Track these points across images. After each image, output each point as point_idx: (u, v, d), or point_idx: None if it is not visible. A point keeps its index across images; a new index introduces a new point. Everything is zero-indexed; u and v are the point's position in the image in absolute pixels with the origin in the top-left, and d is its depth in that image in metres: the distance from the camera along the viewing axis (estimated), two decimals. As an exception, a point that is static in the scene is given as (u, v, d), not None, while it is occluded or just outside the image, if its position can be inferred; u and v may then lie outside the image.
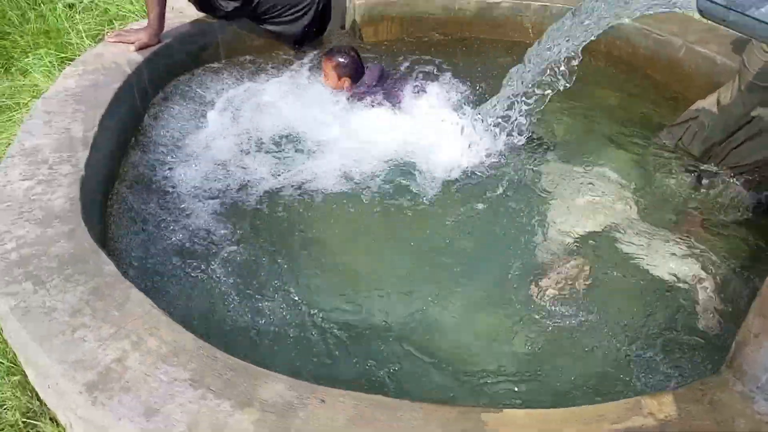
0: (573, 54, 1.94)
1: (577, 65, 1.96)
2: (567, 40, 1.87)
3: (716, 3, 1.33)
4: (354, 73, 2.55)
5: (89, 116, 1.92)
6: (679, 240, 1.95)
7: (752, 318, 1.27)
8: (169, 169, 2.10)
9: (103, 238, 1.77)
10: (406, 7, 2.94)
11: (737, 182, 2.12)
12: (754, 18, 1.26)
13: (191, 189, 2.03)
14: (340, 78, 2.55)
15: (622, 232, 1.97)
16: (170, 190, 2.02)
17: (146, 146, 2.17)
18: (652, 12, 1.56)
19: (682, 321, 1.71)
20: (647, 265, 1.86)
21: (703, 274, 1.82)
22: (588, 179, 2.21)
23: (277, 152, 2.24)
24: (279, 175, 2.13)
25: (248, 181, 2.10)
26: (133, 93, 2.19)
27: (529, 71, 2.07)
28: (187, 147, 2.21)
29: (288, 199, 2.04)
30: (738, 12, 1.27)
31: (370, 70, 2.60)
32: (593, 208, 2.09)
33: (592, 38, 1.83)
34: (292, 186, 2.09)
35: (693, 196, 2.16)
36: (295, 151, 2.27)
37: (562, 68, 2.00)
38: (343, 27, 3.07)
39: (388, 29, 3.02)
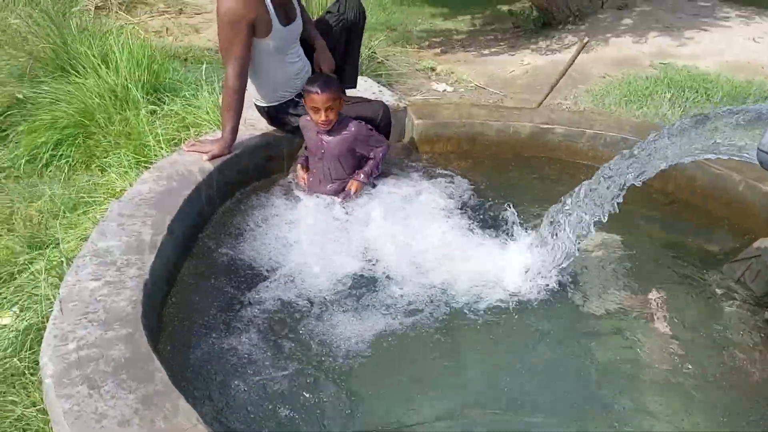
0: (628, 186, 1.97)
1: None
2: (625, 175, 1.90)
3: (777, 156, 1.35)
4: None
5: (159, 221, 2.04)
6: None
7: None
8: (228, 278, 2.16)
9: (157, 341, 1.81)
10: (462, 128, 3.07)
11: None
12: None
13: (250, 300, 2.06)
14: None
15: (688, 371, 1.88)
16: (228, 299, 2.06)
17: (208, 253, 2.25)
18: (713, 157, 1.58)
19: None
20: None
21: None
22: (639, 312, 2.15)
23: (334, 271, 2.26)
24: (338, 292, 2.15)
25: (310, 296, 2.11)
26: (201, 200, 2.33)
27: (583, 201, 2.09)
28: (248, 257, 2.27)
29: (346, 318, 2.04)
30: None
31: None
32: (652, 343, 2.01)
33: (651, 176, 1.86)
34: (349, 306, 2.11)
35: (759, 334, 2.06)
36: (352, 271, 2.29)
37: (616, 200, 2.03)
38: (399, 141, 3.22)
39: (444, 146, 3.15)
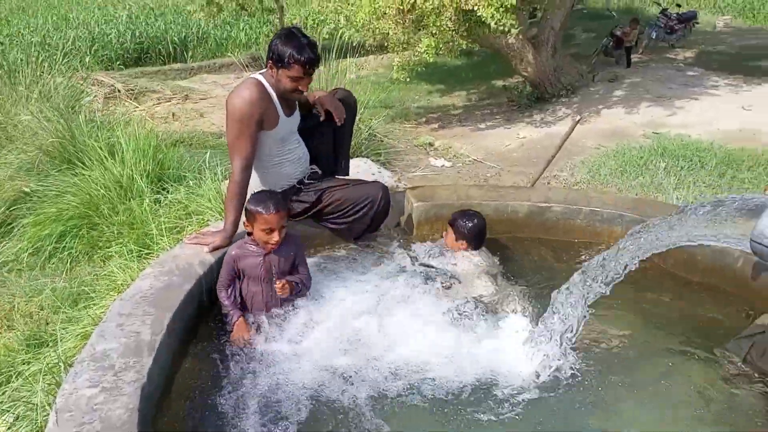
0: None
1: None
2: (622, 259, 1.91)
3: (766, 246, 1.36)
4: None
5: (158, 319, 2.03)
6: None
7: None
8: (226, 381, 2.09)
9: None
10: (460, 209, 3.10)
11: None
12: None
13: (246, 409, 1.97)
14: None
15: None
16: (223, 406, 1.97)
17: (208, 351, 2.22)
18: (704, 243, 1.59)
19: None
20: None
21: None
22: (651, 395, 2.10)
23: (333, 365, 2.19)
24: (338, 390, 2.08)
25: (311, 394, 2.04)
26: (202, 294, 2.33)
27: (585, 284, 2.09)
28: (245, 357, 2.21)
29: (348, 418, 1.99)
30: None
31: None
32: (657, 418, 1.96)
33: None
34: (352, 398, 2.06)
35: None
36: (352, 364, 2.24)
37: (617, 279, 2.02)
38: (398, 224, 3.25)
39: (443, 227, 3.16)
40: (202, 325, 2.37)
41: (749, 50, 9.48)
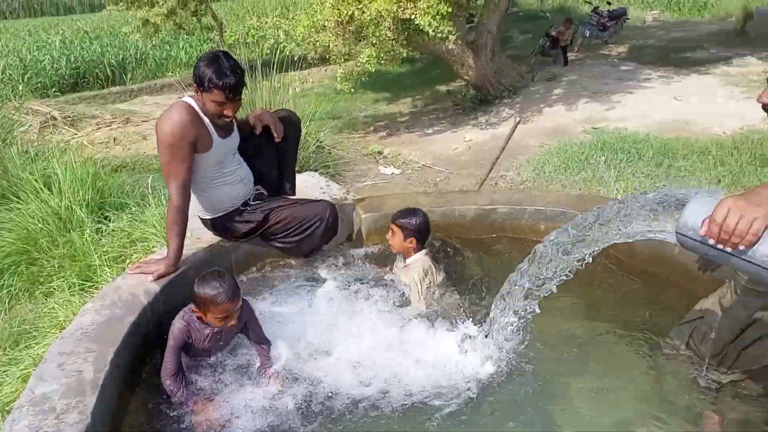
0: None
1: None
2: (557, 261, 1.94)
3: (691, 238, 1.41)
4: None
5: (101, 355, 1.97)
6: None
7: None
8: (176, 414, 2.04)
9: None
10: (409, 217, 3.13)
11: (756, 384, 2.05)
12: (731, 254, 1.34)
13: None
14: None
15: None
16: None
17: (158, 384, 2.15)
18: (631, 240, 1.65)
19: None
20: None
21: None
22: (597, 384, 2.17)
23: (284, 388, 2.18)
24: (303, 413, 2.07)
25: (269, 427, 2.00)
26: (148, 325, 2.27)
27: (524, 281, 2.12)
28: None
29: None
30: (718, 249, 1.35)
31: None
32: (604, 412, 2.02)
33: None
34: (306, 410, 2.05)
35: (709, 396, 2.09)
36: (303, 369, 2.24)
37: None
38: (350, 238, 3.25)
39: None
40: (151, 357, 2.30)
41: (677, 43, 9.91)
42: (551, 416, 2.06)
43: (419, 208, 2.80)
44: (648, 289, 2.73)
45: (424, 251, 2.76)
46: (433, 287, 2.64)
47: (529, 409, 2.06)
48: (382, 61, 5.79)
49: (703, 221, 1.34)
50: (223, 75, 2.33)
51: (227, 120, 2.50)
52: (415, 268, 2.68)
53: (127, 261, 3.08)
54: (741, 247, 1.30)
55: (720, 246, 1.32)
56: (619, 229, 1.61)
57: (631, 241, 1.63)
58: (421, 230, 2.74)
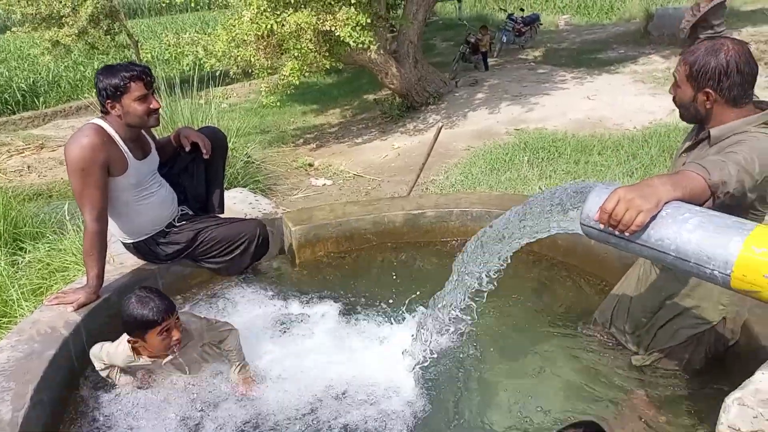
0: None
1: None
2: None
3: (593, 227, 1.50)
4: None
5: (18, 394, 1.86)
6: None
7: None
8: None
9: None
10: (339, 227, 3.15)
11: (672, 361, 2.18)
12: (628, 240, 1.43)
13: None
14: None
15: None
16: None
17: (84, 420, 2.06)
18: (539, 237, 1.74)
19: None
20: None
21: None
22: (529, 369, 2.26)
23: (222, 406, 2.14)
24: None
25: None
26: (71, 357, 2.16)
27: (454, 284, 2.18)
28: (126, 417, 2.07)
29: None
30: (617, 237, 1.44)
31: None
32: (537, 396, 2.11)
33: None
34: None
35: (632, 375, 2.21)
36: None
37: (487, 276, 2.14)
38: (281, 251, 3.23)
39: (324, 247, 3.19)
40: (76, 391, 2.20)
41: (588, 45, 10.46)
42: (482, 411, 2.11)
43: None
44: (570, 279, 2.86)
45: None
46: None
47: (460, 406, 2.11)
48: (306, 74, 5.80)
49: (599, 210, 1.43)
50: (130, 69, 2.31)
51: (157, 115, 2.43)
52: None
53: (47, 293, 2.93)
54: (626, 235, 1.39)
55: (617, 233, 1.41)
56: (531, 228, 1.69)
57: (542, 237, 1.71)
58: None
